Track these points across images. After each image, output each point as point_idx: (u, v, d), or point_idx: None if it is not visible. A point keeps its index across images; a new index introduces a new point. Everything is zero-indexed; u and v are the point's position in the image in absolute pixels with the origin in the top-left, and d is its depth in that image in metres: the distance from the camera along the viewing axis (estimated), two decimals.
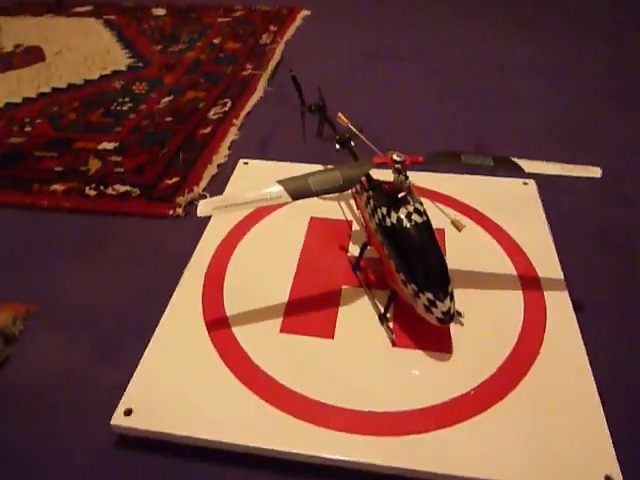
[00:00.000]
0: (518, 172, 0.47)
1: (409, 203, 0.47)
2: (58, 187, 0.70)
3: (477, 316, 0.50)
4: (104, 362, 0.49)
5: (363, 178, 0.51)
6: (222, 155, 0.76)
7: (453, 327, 0.49)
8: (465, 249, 0.57)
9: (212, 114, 0.86)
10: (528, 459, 0.39)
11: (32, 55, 1.06)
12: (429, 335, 0.47)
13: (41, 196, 0.68)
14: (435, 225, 0.47)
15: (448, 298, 0.44)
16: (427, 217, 0.47)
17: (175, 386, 0.45)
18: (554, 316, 0.50)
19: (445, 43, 1.10)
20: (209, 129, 0.81)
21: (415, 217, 0.46)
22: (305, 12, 1.24)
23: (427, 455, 0.39)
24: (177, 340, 0.48)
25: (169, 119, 0.84)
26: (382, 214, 0.47)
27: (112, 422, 0.42)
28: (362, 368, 0.46)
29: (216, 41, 1.11)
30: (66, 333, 0.53)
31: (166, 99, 0.90)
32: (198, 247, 0.58)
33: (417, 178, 0.65)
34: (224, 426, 0.41)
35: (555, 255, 0.56)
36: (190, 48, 1.09)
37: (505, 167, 0.47)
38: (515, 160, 0.47)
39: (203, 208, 0.43)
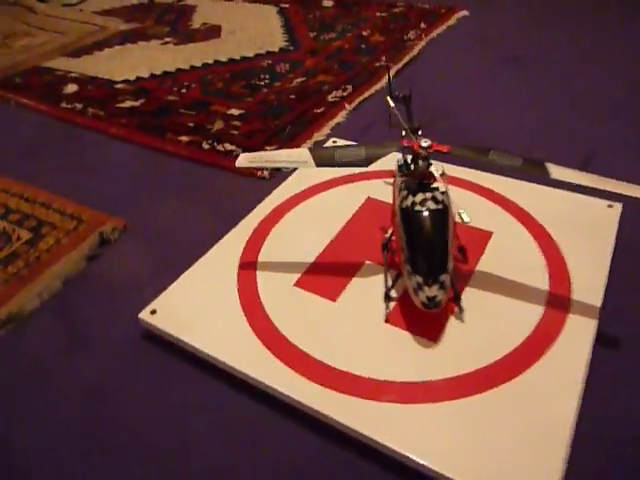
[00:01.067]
0: (544, 177, 0.44)
1: (431, 190, 0.48)
2: (184, 138, 0.84)
3: (483, 317, 0.49)
4: (162, 275, 0.60)
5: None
6: (322, 133, 0.83)
7: (452, 322, 0.49)
8: (506, 254, 0.55)
9: (331, 97, 0.93)
10: (471, 458, 0.39)
11: (211, 32, 1.25)
12: (422, 321, 0.48)
13: (169, 143, 0.83)
14: (485, 226, 0.48)
15: (437, 286, 0.45)
16: (444, 206, 0.47)
17: (196, 304, 0.53)
18: (565, 343, 0.46)
19: (597, 55, 1.01)
20: (322, 109, 0.89)
21: (430, 203, 0.47)
22: (464, 12, 1.24)
23: (372, 420, 0.42)
24: (212, 271, 0.57)
25: (292, 97, 0.94)
26: (403, 196, 0.49)
27: (139, 315, 0.52)
28: (348, 332, 0.49)
29: (365, 33, 1.18)
30: (145, 249, 0.65)
31: (299, 80, 1.00)
32: (260, 204, 0.66)
33: (490, 180, 0.65)
34: (219, 345, 0.49)
35: (601, 285, 0.51)
36: (339, 37, 1.17)
37: (532, 170, 0.45)
38: (546, 164, 0.45)
39: (241, 160, 0.51)
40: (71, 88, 1.05)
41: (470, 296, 0.51)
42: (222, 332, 0.50)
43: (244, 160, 0.51)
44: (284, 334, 0.49)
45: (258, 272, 0.56)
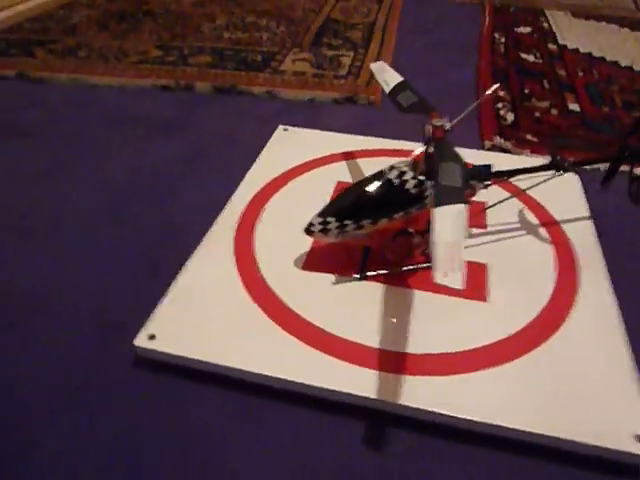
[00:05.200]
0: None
1: (416, 171, 0.47)
2: None
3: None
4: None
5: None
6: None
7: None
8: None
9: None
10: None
11: None
12: (327, 255, 0.53)
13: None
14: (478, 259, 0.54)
15: (321, 220, 0.48)
16: (408, 186, 0.46)
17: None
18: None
19: None
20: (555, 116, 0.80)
21: (401, 177, 0.46)
22: None
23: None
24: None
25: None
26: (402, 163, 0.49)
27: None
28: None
29: None
30: (361, 119, 0.86)
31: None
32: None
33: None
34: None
35: None
36: None
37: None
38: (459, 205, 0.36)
39: (375, 64, 0.61)
40: None
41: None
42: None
43: (376, 65, 0.60)
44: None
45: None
